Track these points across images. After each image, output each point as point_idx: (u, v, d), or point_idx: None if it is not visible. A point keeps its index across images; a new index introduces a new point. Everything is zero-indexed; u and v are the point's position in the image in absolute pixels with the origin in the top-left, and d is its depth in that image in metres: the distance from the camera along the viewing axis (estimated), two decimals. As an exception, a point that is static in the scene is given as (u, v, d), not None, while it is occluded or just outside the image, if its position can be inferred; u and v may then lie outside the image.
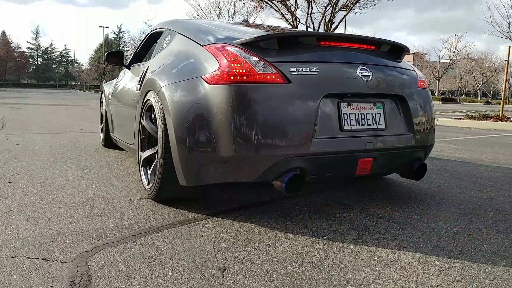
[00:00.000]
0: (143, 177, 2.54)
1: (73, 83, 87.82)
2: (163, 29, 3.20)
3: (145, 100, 2.55)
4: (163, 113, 2.22)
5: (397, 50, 2.50)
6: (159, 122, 2.24)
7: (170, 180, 2.21)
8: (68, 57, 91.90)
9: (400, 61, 2.53)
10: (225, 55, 2.03)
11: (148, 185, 2.44)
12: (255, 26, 3.40)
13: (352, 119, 2.16)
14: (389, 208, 2.38)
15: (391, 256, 1.69)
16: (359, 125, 2.17)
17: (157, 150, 2.32)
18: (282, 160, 1.97)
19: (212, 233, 1.90)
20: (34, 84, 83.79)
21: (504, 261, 1.67)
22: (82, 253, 1.62)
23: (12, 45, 79.74)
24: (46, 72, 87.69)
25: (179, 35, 2.69)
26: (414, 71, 2.56)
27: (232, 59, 1.99)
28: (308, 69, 2.04)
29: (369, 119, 2.22)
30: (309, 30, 18.26)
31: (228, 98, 1.93)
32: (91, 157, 3.86)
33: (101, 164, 3.50)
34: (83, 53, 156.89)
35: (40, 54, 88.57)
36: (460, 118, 10.66)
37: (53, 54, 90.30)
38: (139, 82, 2.95)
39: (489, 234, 1.99)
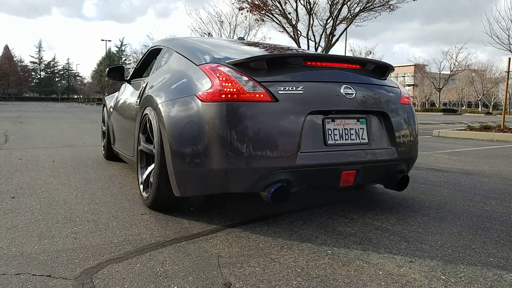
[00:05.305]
0: (140, 183, 2.72)
1: (75, 96, 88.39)
2: (162, 47, 3.33)
3: (144, 115, 2.70)
4: (159, 128, 2.35)
5: (382, 69, 2.61)
6: (156, 137, 2.38)
7: (165, 190, 2.35)
8: (71, 70, 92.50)
9: (385, 79, 2.63)
10: (218, 74, 2.17)
11: (145, 193, 2.61)
12: (250, 44, 3.58)
13: (336, 134, 2.28)
14: (393, 221, 2.37)
15: (397, 270, 1.68)
16: (342, 139, 2.29)
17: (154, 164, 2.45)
18: (270, 172, 2.09)
19: (216, 248, 1.89)
20: (37, 97, 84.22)
21: (511, 274, 1.66)
22: (87, 270, 1.62)
23: (15, 59, 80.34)
24: (49, 85, 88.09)
25: (176, 54, 2.83)
26: (398, 88, 2.67)
27: (224, 79, 2.13)
28: (294, 88, 2.18)
29: (353, 134, 2.34)
30: (310, 42, 18.40)
31: (220, 115, 2.06)
32: (94, 171, 3.86)
33: (103, 178, 3.50)
34: (86, 66, 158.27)
35: (43, 68, 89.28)
36: (462, 129, 10.66)
37: (55, 68, 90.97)
38: (139, 97, 3.07)
39: (494, 247, 1.98)
